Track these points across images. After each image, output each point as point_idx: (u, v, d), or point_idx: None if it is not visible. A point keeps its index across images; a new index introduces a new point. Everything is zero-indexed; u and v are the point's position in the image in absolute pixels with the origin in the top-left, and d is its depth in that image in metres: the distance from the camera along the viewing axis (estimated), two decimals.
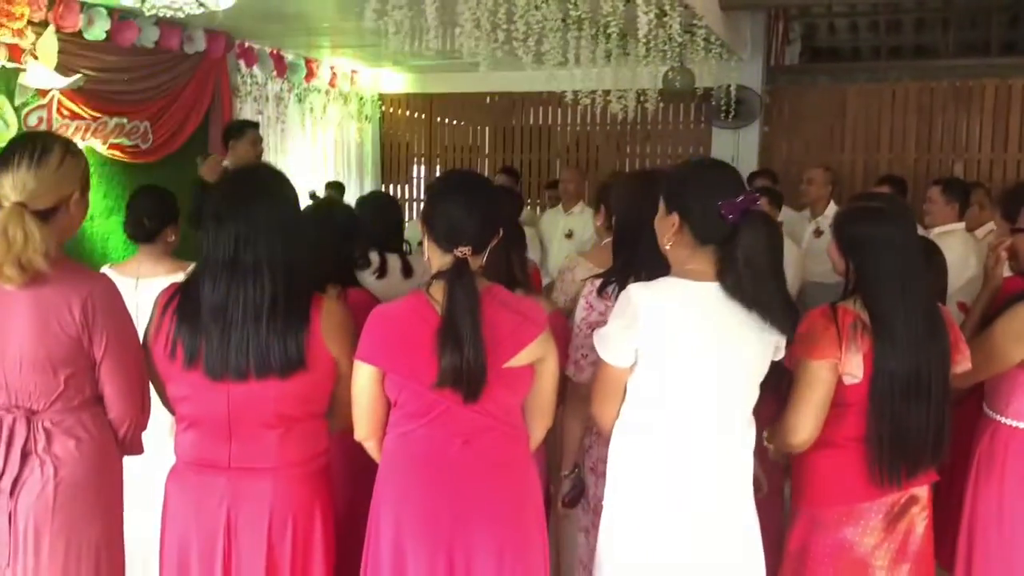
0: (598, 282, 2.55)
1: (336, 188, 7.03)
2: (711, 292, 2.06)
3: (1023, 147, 6.99)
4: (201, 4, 4.74)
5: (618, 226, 2.61)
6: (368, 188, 8.94)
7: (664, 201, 2.16)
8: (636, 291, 2.09)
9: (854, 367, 2.25)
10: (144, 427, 2.31)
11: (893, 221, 2.38)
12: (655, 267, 2.19)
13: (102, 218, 5.90)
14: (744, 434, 2.18)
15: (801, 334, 2.26)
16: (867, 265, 2.34)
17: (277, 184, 2.19)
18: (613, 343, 2.11)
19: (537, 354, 2.13)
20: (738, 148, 7.59)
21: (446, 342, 1.98)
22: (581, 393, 2.59)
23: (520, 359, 2.09)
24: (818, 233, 5.49)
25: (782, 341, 2.17)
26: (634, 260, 2.42)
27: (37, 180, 2.06)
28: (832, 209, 5.60)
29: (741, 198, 2.02)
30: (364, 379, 2.09)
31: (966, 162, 7.16)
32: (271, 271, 2.04)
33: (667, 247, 2.14)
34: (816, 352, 2.27)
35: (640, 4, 4.31)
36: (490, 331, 2.02)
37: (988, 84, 7.09)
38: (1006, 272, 2.90)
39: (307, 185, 7.23)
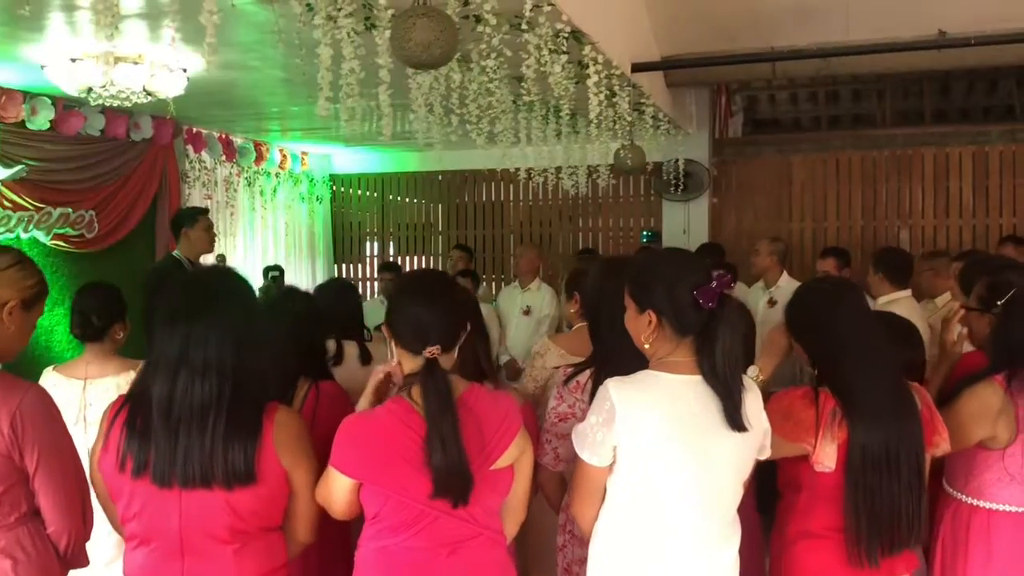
0: (570, 371, 2.51)
1: (276, 271, 6.92)
2: (694, 386, 2.00)
3: (964, 213, 7.19)
4: (148, 93, 4.71)
5: (591, 317, 2.56)
6: (320, 268, 8.87)
7: (634, 300, 2.09)
8: (614, 387, 2.00)
9: (827, 457, 2.22)
10: (87, 539, 2.21)
11: (842, 299, 2.38)
12: (631, 358, 2.12)
13: (46, 311, 5.71)
14: (729, 534, 2.11)
15: (777, 410, 2.23)
16: (822, 347, 2.34)
17: (235, 287, 2.12)
18: (590, 441, 2.01)
19: (518, 451, 2.08)
20: (688, 220, 7.69)
21: (434, 445, 1.92)
22: (541, 477, 2.53)
23: (504, 460, 2.04)
24: (771, 303, 5.52)
25: (767, 440, 2.13)
26: (610, 351, 2.36)
27: None
28: (786, 279, 5.63)
29: (715, 283, 1.99)
30: (341, 489, 2.00)
31: (911, 228, 7.32)
32: (220, 374, 1.95)
33: (647, 346, 2.06)
34: (790, 433, 2.23)
35: (591, 87, 4.36)
36: (477, 433, 1.98)
37: (926, 153, 7.30)
38: (967, 347, 2.90)
39: (259, 268, 7.16)
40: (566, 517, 2.53)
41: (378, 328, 4.20)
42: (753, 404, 2.06)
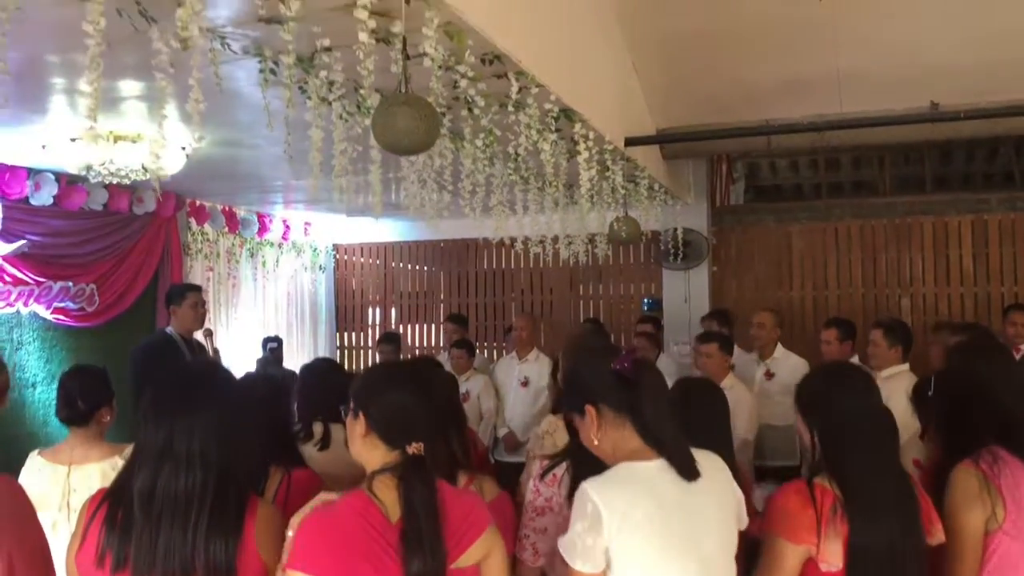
0: (546, 463, 2.48)
1: (274, 343, 6.90)
2: (660, 469, 1.99)
3: (964, 281, 7.17)
4: (147, 170, 4.77)
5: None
6: (322, 337, 8.89)
7: (575, 408, 2.14)
8: (593, 488, 1.96)
9: (833, 555, 2.15)
10: None
11: (856, 388, 2.35)
12: None
13: (44, 385, 5.74)
14: None
15: (776, 509, 2.19)
16: (832, 435, 2.29)
17: (221, 383, 2.13)
18: (580, 549, 1.95)
19: (482, 552, 2.03)
20: (689, 288, 7.69)
21: (414, 549, 1.88)
22: (520, 572, 2.48)
23: (466, 559, 1.99)
24: (769, 375, 5.48)
25: (742, 509, 2.10)
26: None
27: None
28: (781, 351, 5.60)
29: (624, 352, 2.07)
30: None
31: (912, 296, 7.30)
32: (204, 467, 1.95)
33: (596, 444, 2.07)
34: (791, 535, 2.18)
35: (582, 162, 4.41)
36: None
37: (925, 221, 7.32)
38: None
39: (259, 338, 7.16)
40: None
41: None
42: (714, 471, 2.06)
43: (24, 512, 2.11)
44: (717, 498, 2.01)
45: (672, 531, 1.95)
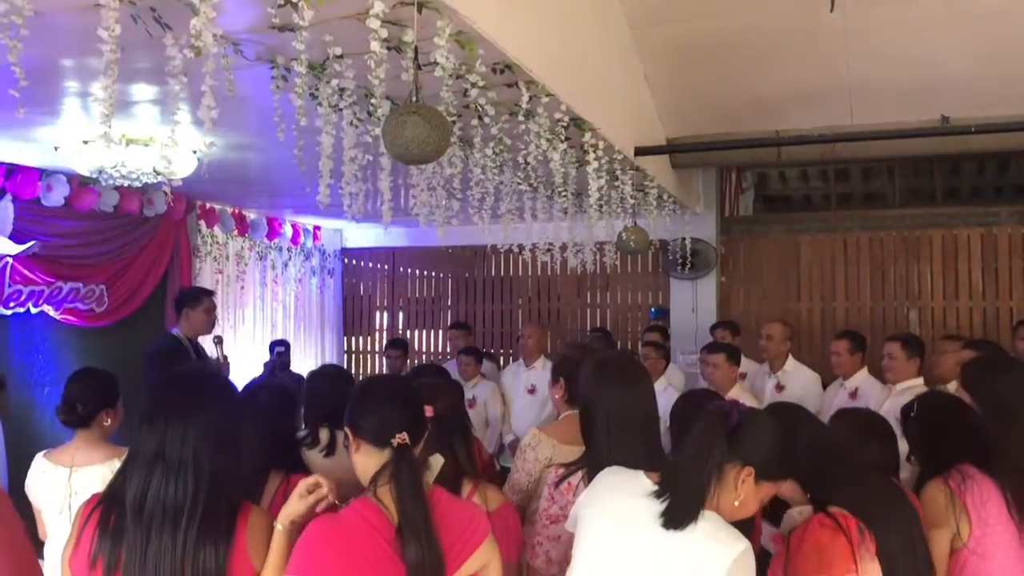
0: (561, 472, 2.49)
1: (281, 347, 6.90)
2: (650, 492, 2.03)
3: (973, 295, 7.13)
4: (158, 173, 4.79)
5: (583, 418, 2.53)
6: (330, 341, 8.90)
7: None
8: (605, 471, 2.17)
9: (873, 573, 2.15)
10: None
11: (800, 425, 2.37)
12: (624, 463, 2.17)
13: (53, 385, 5.76)
14: None
15: (808, 550, 2.14)
16: (811, 480, 2.31)
17: (216, 390, 2.14)
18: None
19: (482, 562, 2.06)
20: (696, 298, 7.67)
21: (408, 538, 1.92)
22: None
23: (468, 568, 2.02)
24: (779, 388, 5.45)
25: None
26: (603, 455, 2.34)
27: None
28: (792, 363, 5.55)
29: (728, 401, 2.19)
30: None
31: (920, 309, 7.27)
32: (195, 474, 1.96)
33: None
34: (833, 569, 2.12)
35: (591, 172, 4.41)
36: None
37: (935, 234, 7.28)
38: None
39: (266, 341, 7.17)
40: None
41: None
42: (713, 542, 1.93)
43: (11, 525, 2.11)
44: (689, 565, 1.91)
45: (617, 546, 1.99)
